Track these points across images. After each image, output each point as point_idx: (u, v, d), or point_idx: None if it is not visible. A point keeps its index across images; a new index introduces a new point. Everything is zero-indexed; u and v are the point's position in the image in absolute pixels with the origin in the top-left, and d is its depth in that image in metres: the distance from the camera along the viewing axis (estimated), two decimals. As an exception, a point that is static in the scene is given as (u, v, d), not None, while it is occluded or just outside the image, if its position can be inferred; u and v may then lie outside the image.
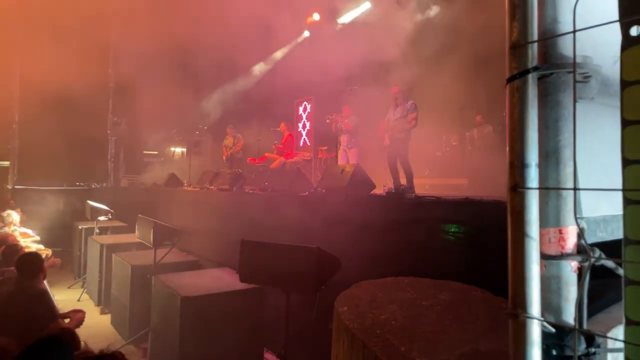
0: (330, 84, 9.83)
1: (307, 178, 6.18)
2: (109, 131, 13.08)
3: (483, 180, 7.04)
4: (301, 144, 12.52)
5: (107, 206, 8.48)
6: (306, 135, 12.65)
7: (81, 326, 3.69)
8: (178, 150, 14.55)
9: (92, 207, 8.50)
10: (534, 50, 0.88)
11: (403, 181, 6.20)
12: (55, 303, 4.08)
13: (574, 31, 0.84)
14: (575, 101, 0.84)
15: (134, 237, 6.31)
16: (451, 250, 3.31)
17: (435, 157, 9.37)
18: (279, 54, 13.07)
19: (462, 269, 3.03)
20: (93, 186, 11.96)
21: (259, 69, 13.36)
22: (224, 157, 10.41)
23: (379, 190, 5.46)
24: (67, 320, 3.71)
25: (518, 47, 0.88)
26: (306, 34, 12.31)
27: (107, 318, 6.18)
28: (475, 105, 8.78)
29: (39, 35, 9.67)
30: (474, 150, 8.66)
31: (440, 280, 2.62)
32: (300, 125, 12.88)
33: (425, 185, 8.54)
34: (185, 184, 9.29)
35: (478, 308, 2.21)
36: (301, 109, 12.89)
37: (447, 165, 8.99)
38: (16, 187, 11.10)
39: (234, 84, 13.16)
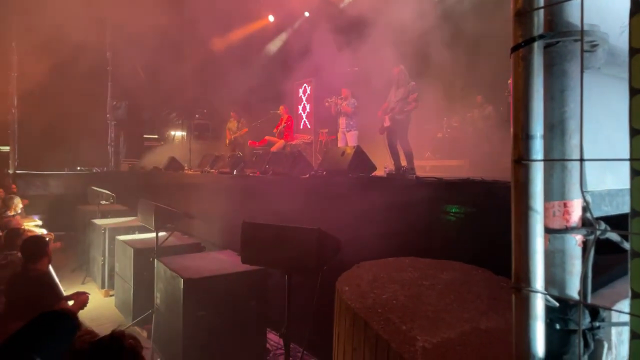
0: (331, 65, 9.73)
1: (308, 160, 6.17)
2: (108, 115, 13.02)
3: (484, 161, 7.03)
4: (301, 127, 12.45)
5: (108, 190, 8.49)
6: (306, 117, 12.57)
7: (85, 308, 3.72)
8: (178, 134, 14.51)
9: (94, 192, 8.51)
10: (539, 18, 0.85)
11: (403, 162, 6.18)
12: (59, 286, 4.11)
13: (582, -3, 0.81)
14: (582, 71, 0.82)
15: (135, 221, 6.33)
16: (452, 231, 3.31)
17: (436, 139, 9.34)
18: (281, 37, 12.92)
19: (463, 249, 3.04)
20: (94, 170, 11.96)
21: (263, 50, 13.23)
22: (227, 140, 10.38)
23: (379, 172, 5.45)
24: (70, 302, 3.74)
25: (523, 14, 0.85)
26: (306, 14, 12.14)
27: (110, 300, 6.25)
28: (476, 85, 8.71)
29: (36, 20, 9.54)
30: (475, 132, 8.61)
31: (441, 260, 2.63)
32: (301, 107, 12.79)
33: (426, 166, 8.53)
34: (186, 168, 9.29)
35: (479, 287, 2.22)
36: (301, 90, 12.78)
37: (448, 147, 8.96)
38: (17, 172, 11.11)
39: (235, 66, 13.05)
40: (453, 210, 3.38)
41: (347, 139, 7.92)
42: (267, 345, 4.37)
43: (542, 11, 0.85)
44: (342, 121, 8.08)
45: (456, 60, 8.17)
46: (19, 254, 3.88)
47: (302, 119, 12.69)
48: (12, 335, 1.26)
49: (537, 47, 0.84)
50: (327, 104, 8.07)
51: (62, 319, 1.36)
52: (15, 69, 11.39)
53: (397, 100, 6.19)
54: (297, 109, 12.73)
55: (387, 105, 6.37)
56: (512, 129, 0.87)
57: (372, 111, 7.46)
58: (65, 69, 9.98)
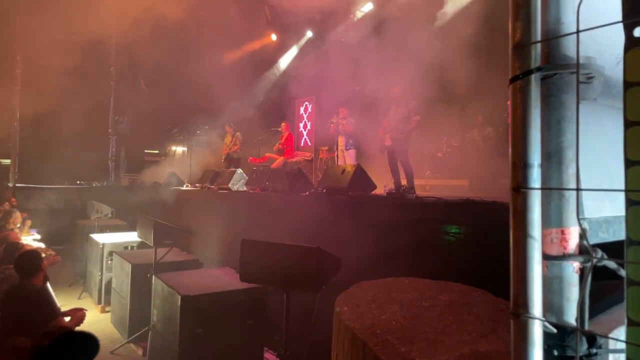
0: (332, 83, 9.84)
1: (308, 178, 6.18)
2: (110, 129, 13.10)
3: (484, 182, 7.04)
4: (302, 144, 12.52)
5: (108, 205, 8.49)
6: (307, 135, 12.65)
7: (81, 324, 3.69)
8: (179, 149, 14.57)
9: (93, 206, 8.52)
10: (537, 51, 0.88)
11: (404, 182, 6.20)
12: (56, 301, 4.08)
13: (577, 32, 0.84)
14: (578, 102, 0.84)
15: (134, 236, 6.32)
16: (452, 251, 3.31)
17: (436, 158, 9.37)
18: (283, 56, 13.10)
19: (462, 270, 3.03)
20: (94, 184, 11.98)
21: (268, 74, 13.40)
22: (223, 155, 10.36)
23: (379, 191, 5.47)
24: (67, 319, 3.71)
25: (521, 47, 0.88)
26: (309, 34, 12.34)
27: (107, 316, 6.19)
28: (476, 105, 8.78)
29: (40, 34, 9.68)
30: (475, 151, 8.66)
31: (441, 281, 2.63)
32: (302, 125, 12.88)
33: (426, 186, 8.55)
34: (186, 184, 9.31)
35: (478, 309, 2.21)
36: (302, 108, 12.90)
37: (448, 166, 8.99)
38: (17, 185, 11.12)
39: (238, 84, 13.19)
40: (452, 231, 3.39)
41: (346, 158, 7.96)
42: (264, 365, 4.32)
43: (539, 44, 0.88)
44: (341, 140, 8.14)
45: (457, 80, 8.26)
46: (16, 269, 3.86)
47: (303, 136, 12.77)
48: (36, 356, 1.26)
49: (535, 79, 0.87)
50: (332, 125, 8.14)
51: (86, 340, 1.36)
52: (18, 83, 11.50)
53: (397, 120, 6.24)
54: (298, 126, 12.82)
55: (388, 124, 6.42)
56: (510, 158, 0.89)
57: (373, 130, 7.52)
58: (68, 83, 10.07)
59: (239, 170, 7.41)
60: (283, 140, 9.37)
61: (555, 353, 0.87)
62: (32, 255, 3.91)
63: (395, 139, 6.23)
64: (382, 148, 6.48)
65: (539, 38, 0.87)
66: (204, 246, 6.27)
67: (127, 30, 10.04)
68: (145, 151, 14.13)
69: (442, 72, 7.56)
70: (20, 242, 5.27)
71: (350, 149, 8.01)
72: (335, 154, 8.56)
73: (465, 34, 7.51)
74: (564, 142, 0.88)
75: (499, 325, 1.97)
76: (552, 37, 0.86)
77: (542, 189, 0.86)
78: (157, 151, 14.41)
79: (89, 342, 1.37)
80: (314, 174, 9.75)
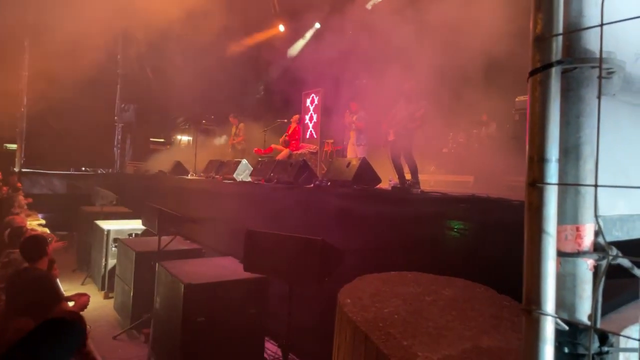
0: (339, 76, 9.80)
1: (313, 170, 6.17)
2: (116, 117, 13.12)
3: (489, 178, 7.01)
4: (307, 136, 12.49)
5: (113, 192, 8.52)
6: (313, 127, 12.61)
7: (85, 310, 3.72)
8: (184, 138, 14.58)
9: (98, 193, 8.55)
10: (558, 44, 0.86)
11: (408, 176, 6.17)
12: (60, 286, 4.11)
13: (601, 25, 0.82)
14: (600, 97, 0.83)
15: (138, 224, 6.35)
16: (456, 247, 3.30)
17: (441, 154, 9.33)
18: (294, 49, 13.03)
19: (466, 266, 3.03)
20: (99, 171, 12.03)
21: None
22: (230, 146, 10.37)
23: (384, 185, 5.45)
24: (71, 304, 3.74)
25: (542, 40, 0.86)
26: (317, 25, 12.27)
27: (110, 302, 6.24)
28: (482, 103, 8.72)
29: (48, 20, 9.67)
30: (481, 148, 8.61)
31: (444, 277, 2.62)
32: (307, 117, 12.84)
33: (431, 181, 8.51)
34: (191, 173, 9.32)
35: (481, 305, 2.21)
36: (309, 100, 12.85)
37: (453, 162, 8.96)
38: (23, 170, 11.17)
39: (244, 74, 13.15)
40: (457, 226, 3.37)
41: (357, 153, 7.98)
42: (265, 355, 4.34)
43: (560, 37, 0.86)
44: (353, 135, 8.15)
45: (464, 77, 8.20)
46: (21, 253, 3.88)
47: (309, 128, 12.73)
48: (19, 341, 1.26)
49: (555, 73, 0.85)
50: (348, 120, 8.19)
51: (69, 325, 1.35)
52: (26, 68, 11.51)
53: (403, 116, 6.19)
54: (304, 118, 12.78)
55: (392, 118, 6.37)
56: (527, 152, 0.88)
57: (377, 123, 7.49)
58: (75, 70, 10.07)
59: (244, 161, 7.41)
60: (290, 132, 9.35)
61: (566, 350, 0.86)
62: (38, 239, 3.93)
63: (398, 134, 6.18)
64: (385, 143, 6.44)
65: (560, 31, 0.86)
66: (207, 235, 6.29)
67: (134, 19, 10.03)
68: (151, 139, 14.15)
69: (451, 69, 7.51)
70: (25, 226, 5.30)
71: (361, 144, 8.02)
72: (341, 146, 8.55)
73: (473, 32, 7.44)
74: (582, 138, 0.87)
75: (502, 322, 1.97)
76: (574, 30, 0.85)
77: (559, 184, 0.85)
78: (162, 140, 14.43)
79: (71, 327, 1.35)
80: (319, 166, 9.73)
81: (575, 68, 0.87)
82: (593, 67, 0.86)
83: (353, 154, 8.06)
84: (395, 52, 8.15)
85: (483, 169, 7.55)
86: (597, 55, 0.84)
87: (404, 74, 6.97)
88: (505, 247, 2.48)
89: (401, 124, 6.15)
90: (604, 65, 0.86)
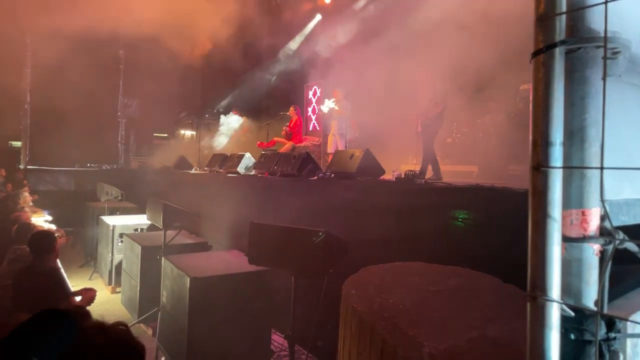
0: (341, 67, 9.72)
1: (316, 162, 6.15)
2: (119, 113, 13.14)
3: (494, 168, 6.97)
4: (310, 129, 12.46)
5: (117, 187, 8.55)
6: (316, 120, 12.57)
7: (92, 304, 3.74)
8: (188, 133, 14.59)
9: (103, 188, 8.58)
10: (561, 23, 0.84)
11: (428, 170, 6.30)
12: (67, 281, 4.13)
13: (606, 1, 0.80)
14: (605, 77, 0.80)
15: (143, 218, 6.37)
16: (460, 237, 3.29)
17: (445, 144, 9.28)
18: (295, 41, 12.93)
19: (470, 256, 3.01)
20: (104, 167, 12.07)
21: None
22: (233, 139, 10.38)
23: (388, 176, 5.43)
24: (78, 298, 3.76)
25: (545, 19, 0.84)
26: (318, 17, 12.18)
27: (117, 297, 6.28)
28: (488, 91, 8.63)
29: (50, 17, 9.65)
30: (485, 138, 8.54)
31: (449, 266, 2.61)
32: (310, 109, 12.79)
33: (435, 171, 8.46)
34: (195, 167, 9.33)
35: (486, 294, 2.20)
36: (311, 93, 12.79)
37: (457, 152, 8.91)
38: (28, 167, 11.23)
39: (247, 67, 13.08)
40: (462, 216, 3.36)
41: (338, 144, 7.96)
42: (271, 347, 4.36)
43: (564, 17, 0.84)
44: (333, 124, 8.13)
45: (468, 66, 8.12)
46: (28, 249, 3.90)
47: (312, 121, 12.69)
48: (10, 333, 1.24)
49: (559, 53, 0.83)
50: (326, 110, 8.15)
51: (62, 318, 1.34)
52: (28, 65, 11.53)
53: (426, 104, 6.31)
54: (307, 111, 12.73)
55: (420, 111, 6.50)
56: (530, 136, 0.86)
57: (380, 115, 7.46)
58: (78, 66, 10.06)
59: (247, 154, 7.40)
60: (292, 124, 9.32)
61: (573, 337, 0.84)
62: (46, 235, 3.95)
63: (424, 125, 6.33)
64: (417, 134, 6.63)
65: (564, 9, 0.83)
66: (212, 229, 6.30)
67: (136, 14, 9.98)
68: (155, 134, 14.17)
69: (458, 59, 7.43)
70: (32, 222, 5.32)
71: (342, 133, 8.00)
72: (327, 140, 8.50)
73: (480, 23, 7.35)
74: (587, 120, 0.84)
75: (507, 311, 1.96)
76: (578, 8, 0.82)
77: (564, 167, 0.83)
78: (166, 135, 14.45)
79: (65, 318, 1.33)
80: (322, 158, 9.71)
81: (580, 48, 0.85)
82: (597, 47, 0.84)
83: (333, 145, 8.05)
84: (397, 42, 8.07)
85: (487, 158, 7.50)
86: (602, 35, 0.82)
87: (403, 65, 6.95)
88: (510, 236, 2.46)
89: (425, 114, 6.26)
90: (609, 45, 0.84)
